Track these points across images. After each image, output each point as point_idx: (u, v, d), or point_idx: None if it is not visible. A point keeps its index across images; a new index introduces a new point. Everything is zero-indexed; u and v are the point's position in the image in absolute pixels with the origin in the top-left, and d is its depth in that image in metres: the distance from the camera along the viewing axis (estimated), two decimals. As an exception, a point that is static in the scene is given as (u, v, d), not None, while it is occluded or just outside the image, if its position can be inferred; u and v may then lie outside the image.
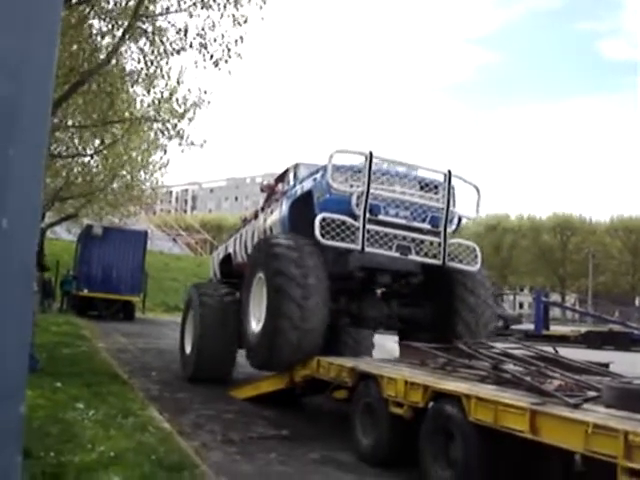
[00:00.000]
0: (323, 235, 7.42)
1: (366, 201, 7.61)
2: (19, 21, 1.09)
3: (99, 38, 12.27)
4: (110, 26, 11.55)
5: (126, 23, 10.82)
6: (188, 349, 11.10)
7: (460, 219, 8.43)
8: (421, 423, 5.58)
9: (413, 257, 8.03)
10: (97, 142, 19.20)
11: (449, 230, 8.11)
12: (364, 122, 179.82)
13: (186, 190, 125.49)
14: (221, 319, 10.47)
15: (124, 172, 21.67)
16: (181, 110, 14.10)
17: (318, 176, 8.24)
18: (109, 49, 11.77)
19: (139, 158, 20.83)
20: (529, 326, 31.58)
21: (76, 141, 19.16)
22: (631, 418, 4.21)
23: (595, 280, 63.26)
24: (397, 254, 7.92)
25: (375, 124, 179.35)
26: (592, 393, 5.00)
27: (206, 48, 10.97)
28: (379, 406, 6.25)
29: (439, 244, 8.07)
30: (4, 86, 1.07)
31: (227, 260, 12.02)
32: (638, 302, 64.70)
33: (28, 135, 1.10)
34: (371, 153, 7.69)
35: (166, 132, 15.05)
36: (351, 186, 7.75)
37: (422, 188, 8.23)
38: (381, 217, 7.86)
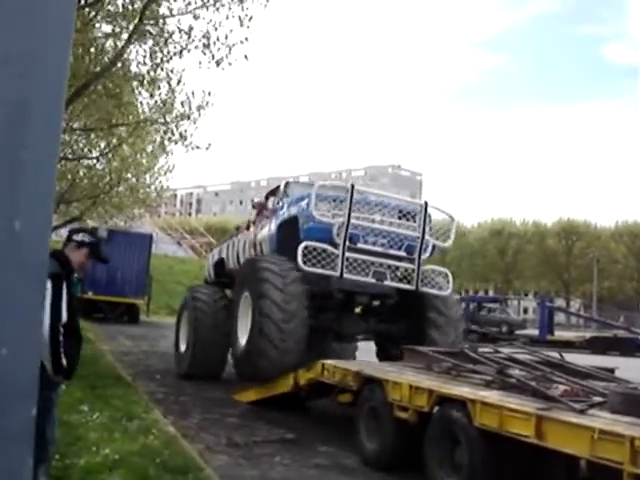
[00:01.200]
0: (305, 262, 8.05)
1: (346, 232, 8.19)
2: (32, 22, 1.09)
3: (104, 41, 12.28)
4: (117, 29, 11.55)
5: (132, 26, 10.81)
6: (183, 347, 11.71)
7: (434, 247, 9.06)
8: (426, 428, 5.57)
9: (388, 283, 8.66)
10: (103, 145, 19.20)
11: (423, 257, 8.73)
12: (370, 125, 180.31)
13: (191, 193, 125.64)
14: (213, 320, 11.03)
15: (129, 175, 21.65)
16: (182, 110, 14.05)
17: (304, 203, 8.79)
18: (115, 52, 11.77)
19: (144, 161, 20.82)
20: (533, 331, 31.46)
21: (81, 144, 19.15)
22: (637, 424, 4.20)
23: (600, 285, 62.98)
24: (373, 280, 8.52)
25: (380, 127, 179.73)
26: (598, 398, 4.99)
27: (209, 48, 10.96)
28: (384, 410, 6.24)
29: (413, 270, 8.64)
30: (17, 88, 1.07)
31: (221, 263, 12.52)
32: (643, 307, 64.47)
33: (41, 137, 1.10)
34: (352, 186, 8.33)
35: (170, 135, 15.01)
36: (333, 216, 8.33)
37: (400, 218, 8.82)
38: (360, 245, 8.47)
